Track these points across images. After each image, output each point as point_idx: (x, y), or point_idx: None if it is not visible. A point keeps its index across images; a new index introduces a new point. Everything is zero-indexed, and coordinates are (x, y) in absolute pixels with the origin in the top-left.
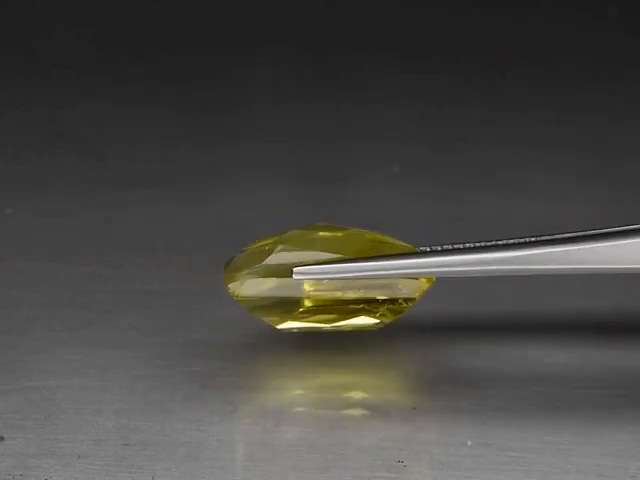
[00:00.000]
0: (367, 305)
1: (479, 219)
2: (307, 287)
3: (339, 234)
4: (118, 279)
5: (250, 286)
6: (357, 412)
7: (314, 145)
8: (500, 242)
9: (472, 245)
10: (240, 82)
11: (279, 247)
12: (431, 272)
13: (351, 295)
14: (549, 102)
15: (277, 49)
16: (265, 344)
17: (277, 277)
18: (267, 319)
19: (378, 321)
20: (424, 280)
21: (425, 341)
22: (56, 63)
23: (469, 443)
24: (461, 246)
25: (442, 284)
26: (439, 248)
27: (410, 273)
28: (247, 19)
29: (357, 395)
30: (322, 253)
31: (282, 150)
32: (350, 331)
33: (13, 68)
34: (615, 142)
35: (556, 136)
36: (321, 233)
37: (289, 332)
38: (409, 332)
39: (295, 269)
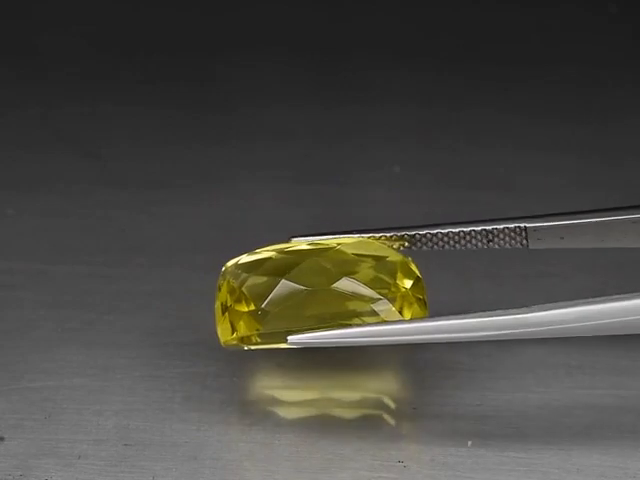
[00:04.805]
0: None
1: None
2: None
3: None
4: (118, 279)
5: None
6: (357, 412)
7: (314, 146)
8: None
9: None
10: (240, 83)
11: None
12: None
13: None
14: (549, 103)
15: (277, 50)
16: None
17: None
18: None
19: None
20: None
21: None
22: (56, 63)
23: (469, 443)
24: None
25: (441, 286)
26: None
27: (399, 340)
28: (247, 20)
29: (357, 395)
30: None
31: (282, 151)
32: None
33: (13, 68)
34: (616, 143)
35: (556, 137)
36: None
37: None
38: None
39: (289, 338)
